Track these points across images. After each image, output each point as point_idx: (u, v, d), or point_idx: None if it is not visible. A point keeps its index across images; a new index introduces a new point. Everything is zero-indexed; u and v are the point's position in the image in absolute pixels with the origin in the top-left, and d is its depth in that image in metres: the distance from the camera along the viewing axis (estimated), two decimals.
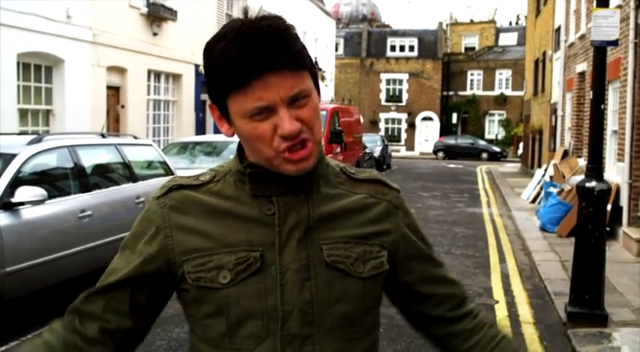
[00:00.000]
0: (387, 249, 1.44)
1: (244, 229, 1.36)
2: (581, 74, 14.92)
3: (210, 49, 1.30)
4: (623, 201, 10.19)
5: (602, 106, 6.29)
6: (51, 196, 6.37)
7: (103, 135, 8.34)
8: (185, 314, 1.46)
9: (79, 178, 6.99)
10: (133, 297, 1.39)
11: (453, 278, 1.56)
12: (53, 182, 6.82)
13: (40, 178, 6.56)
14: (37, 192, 6.10)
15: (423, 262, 1.51)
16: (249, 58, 1.24)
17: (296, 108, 1.29)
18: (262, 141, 1.30)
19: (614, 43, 6.44)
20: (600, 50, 6.28)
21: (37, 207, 6.14)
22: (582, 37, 14.41)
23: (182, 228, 1.38)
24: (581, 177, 6.57)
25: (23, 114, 12.72)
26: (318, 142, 1.35)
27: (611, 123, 11.60)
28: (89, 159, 7.39)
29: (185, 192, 1.41)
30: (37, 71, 13.10)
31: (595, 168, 6.25)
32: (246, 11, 1.31)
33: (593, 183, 6.09)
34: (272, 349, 1.33)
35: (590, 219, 6.08)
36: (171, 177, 1.52)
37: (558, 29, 18.83)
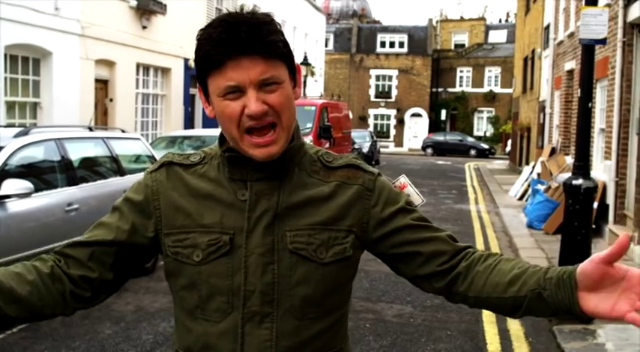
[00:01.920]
0: (356, 232, 1.52)
1: (220, 212, 1.48)
2: (570, 72, 14.98)
3: (199, 35, 1.44)
4: (610, 199, 10.25)
5: (590, 104, 6.33)
6: (38, 189, 6.34)
7: (90, 129, 8.30)
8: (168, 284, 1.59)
9: (66, 171, 6.96)
10: (117, 255, 1.52)
11: (440, 236, 1.55)
12: (40, 175, 6.79)
13: (26, 171, 6.52)
14: (23, 185, 6.07)
15: (403, 232, 1.53)
16: (225, 41, 1.38)
17: (265, 92, 1.41)
18: (231, 119, 1.42)
19: (603, 42, 6.48)
20: (588, 48, 6.31)
21: (24, 200, 6.10)
22: (571, 35, 14.47)
23: (169, 203, 1.52)
24: (569, 174, 6.61)
25: (10, 106, 12.63)
26: (287, 129, 1.45)
27: (598, 122, 11.67)
28: (76, 153, 7.35)
29: (175, 169, 1.55)
30: (25, 63, 13.00)
31: (582, 165, 6.29)
32: (242, 8, 1.45)
33: (579, 181, 6.13)
34: (235, 323, 1.46)
35: (576, 217, 6.11)
36: (166, 153, 1.64)
37: (547, 27, 18.89)
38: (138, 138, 9.30)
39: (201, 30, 1.44)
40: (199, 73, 1.46)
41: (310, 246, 1.47)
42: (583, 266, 1.37)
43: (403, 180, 1.69)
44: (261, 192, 1.47)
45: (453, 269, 1.52)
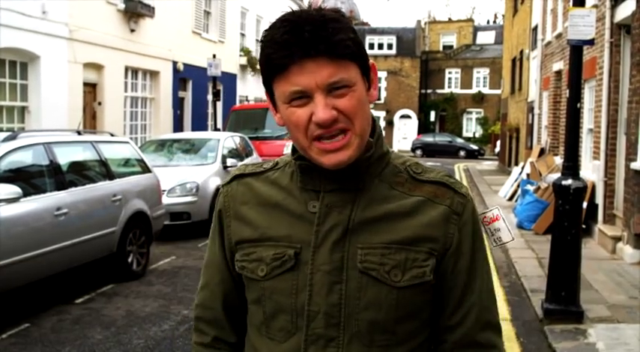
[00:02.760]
0: (437, 256, 1.36)
1: (288, 224, 1.38)
2: (558, 73, 15.04)
3: (263, 36, 1.34)
4: (599, 199, 10.29)
5: (578, 105, 6.34)
6: (26, 194, 6.29)
7: (79, 133, 8.26)
8: None
9: (55, 176, 6.92)
10: (226, 308, 1.52)
11: (484, 318, 1.40)
12: (28, 179, 6.74)
13: (15, 176, 6.48)
14: (11, 189, 6.03)
15: (457, 281, 1.40)
16: (288, 43, 1.26)
17: (335, 97, 1.28)
18: (298, 128, 1.30)
19: (590, 43, 6.50)
20: (576, 49, 6.33)
21: (12, 205, 6.06)
22: (559, 36, 14.52)
23: (238, 217, 1.45)
24: (558, 175, 6.62)
25: None
26: (361, 135, 1.32)
27: (587, 122, 11.71)
28: (65, 157, 7.31)
29: (246, 180, 1.48)
30: (12, 67, 12.93)
31: (571, 166, 6.30)
32: (310, 4, 1.34)
33: (569, 181, 6.15)
34: (298, 345, 1.36)
35: (566, 217, 6.13)
36: (240, 164, 1.56)
37: (535, 28, 18.96)
38: (127, 142, 9.27)
39: (265, 31, 1.33)
40: (264, 79, 1.35)
41: (383, 266, 1.33)
42: None
43: (497, 212, 1.55)
44: (332, 204, 1.35)
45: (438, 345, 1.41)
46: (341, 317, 1.33)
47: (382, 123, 48.99)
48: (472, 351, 1.40)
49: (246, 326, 1.50)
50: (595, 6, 9.79)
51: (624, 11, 9.34)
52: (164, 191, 9.81)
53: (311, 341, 1.34)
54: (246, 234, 1.42)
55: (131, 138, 14.36)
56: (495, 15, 57.93)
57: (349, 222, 1.34)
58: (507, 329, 6.17)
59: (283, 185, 1.42)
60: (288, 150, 18.76)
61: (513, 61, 25.28)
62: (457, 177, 24.62)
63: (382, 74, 48.74)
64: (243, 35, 26.54)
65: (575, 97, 6.30)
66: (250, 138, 15.51)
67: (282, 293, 1.36)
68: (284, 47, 1.26)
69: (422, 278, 1.34)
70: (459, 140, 43.60)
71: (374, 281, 1.33)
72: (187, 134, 16.06)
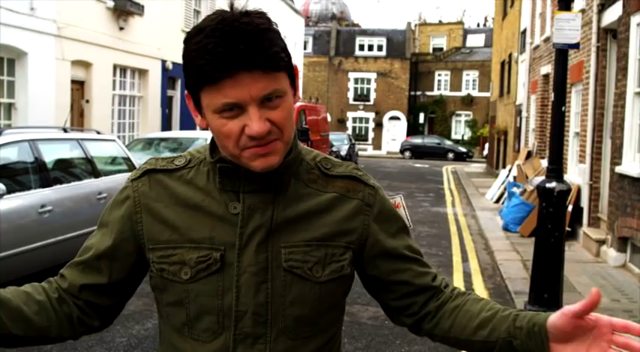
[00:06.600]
0: (353, 249, 1.43)
1: (210, 226, 1.37)
2: (546, 76, 15.12)
3: (188, 41, 1.29)
4: (584, 202, 10.35)
5: (563, 108, 6.39)
6: (11, 191, 6.27)
7: (65, 130, 8.23)
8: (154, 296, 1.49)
9: (40, 173, 6.90)
10: (108, 274, 1.43)
11: (426, 270, 1.50)
12: (13, 176, 6.72)
13: None
14: None
15: (392, 259, 1.46)
16: (222, 56, 1.22)
17: (268, 108, 1.28)
18: (229, 138, 1.29)
19: (576, 46, 6.54)
20: (562, 52, 6.38)
21: None
22: (547, 40, 14.60)
23: (152, 215, 1.41)
24: (544, 177, 6.66)
25: None
26: (287, 142, 1.34)
27: (573, 126, 11.78)
28: (50, 154, 7.29)
29: (159, 177, 1.43)
30: (0, 64, 12.87)
31: (555, 169, 6.34)
32: (231, 5, 1.31)
33: (553, 184, 6.18)
34: (226, 344, 1.36)
35: (550, 219, 6.16)
36: (149, 158, 1.51)
37: (524, 31, 19.05)
38: (113, 140, 9.24)
39: (192, 36, 1.27)
40: (191, 84, 1.31)
41: (306, 263, 1.37)
42: (554, 320, 1.30)
43: (399, 200, 1.62)
44: (254, 206, 1.36)
45: (424, 307, 1.48)
46: (268, 315, 1.36)
47: (371, 125, 49.07)
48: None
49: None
50: (582, 10, 9.86)
51: (611, 16, 9.41)
52: None
53: (239, 339, 1.36)
54: (164, 235, 1.39)
55: (119, 137, 14.33)
56: (485, 18, 58.07)
57: (272, 223, 1.37)
58: None
59: (201, 186, 1.40)
60: None
61: (502, 64, 25.39)
62: (444, 178, 24.85)
63: (372, 75, 48.85)
64: None
65: (561, 101, 6.34)
66: None
67: (208, 295, 1.36)
68: (218, 60, 1.23)
69: (340, 271, 1.41)
70: (448, 142, 43.72)
71: (298, 278, 1.37)
72: (175, 133, 16.01)
